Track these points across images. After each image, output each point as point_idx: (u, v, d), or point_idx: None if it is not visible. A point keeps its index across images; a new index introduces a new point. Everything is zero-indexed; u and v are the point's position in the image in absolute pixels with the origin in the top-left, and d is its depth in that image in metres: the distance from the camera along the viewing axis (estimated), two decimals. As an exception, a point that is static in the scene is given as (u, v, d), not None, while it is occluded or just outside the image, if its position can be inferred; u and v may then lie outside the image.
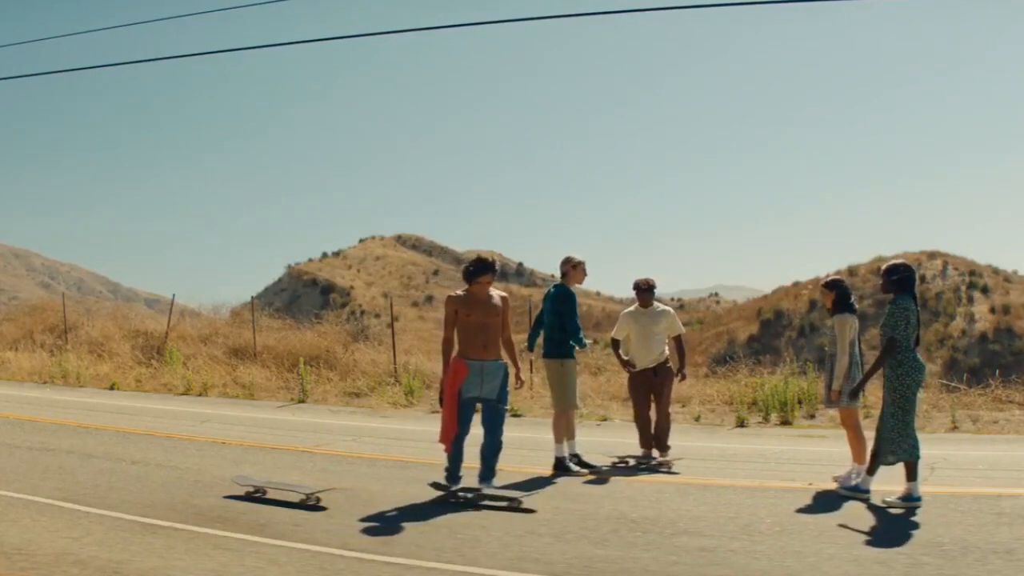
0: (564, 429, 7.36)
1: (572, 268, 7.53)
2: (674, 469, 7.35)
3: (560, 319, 7.39)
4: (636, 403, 7.74)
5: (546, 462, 7.38)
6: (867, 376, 6.13)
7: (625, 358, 7.75)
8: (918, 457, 5.76)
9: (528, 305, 20.08)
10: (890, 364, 5.84)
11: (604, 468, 7.35)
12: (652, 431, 7.64)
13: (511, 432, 10.19)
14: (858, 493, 6.00)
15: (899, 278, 6.00)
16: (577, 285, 7.58)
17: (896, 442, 5.79)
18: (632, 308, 7.81)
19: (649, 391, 7.71)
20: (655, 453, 7.63)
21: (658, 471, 7.30)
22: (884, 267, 6.15)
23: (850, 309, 6.57)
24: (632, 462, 7.54)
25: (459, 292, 6.30)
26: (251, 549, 4.90)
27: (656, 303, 7.81)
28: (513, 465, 7.59)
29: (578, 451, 7.46)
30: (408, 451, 8.53)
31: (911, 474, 5.74)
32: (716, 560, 4.65)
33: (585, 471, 7.24)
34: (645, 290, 7.66)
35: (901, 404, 5.81)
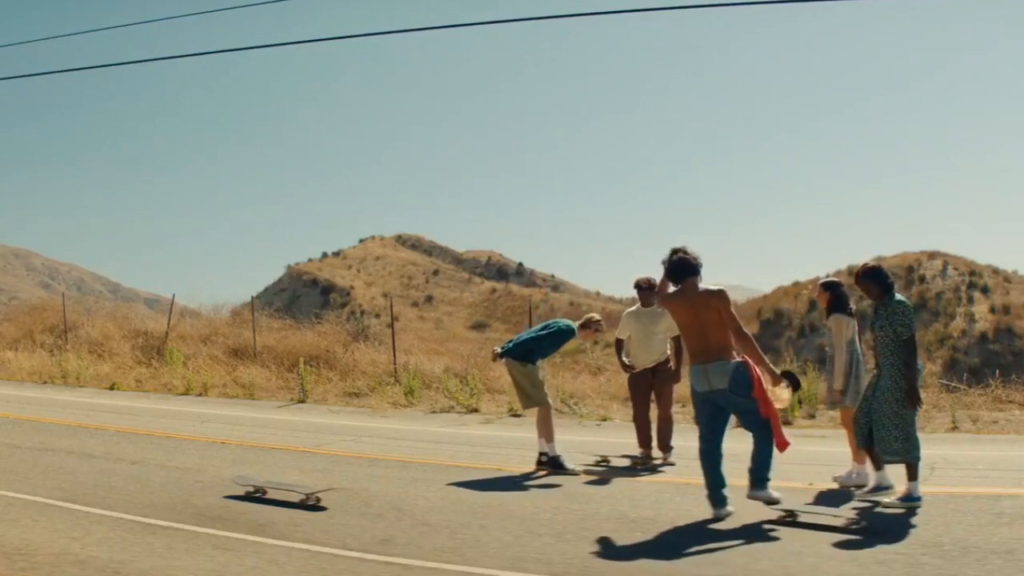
0: (549, 427, 7.34)
1: (595, 331, 7.77)
2: (670, 460, 7.45)
3: (542, 341, 7.57)
4: (635, 403, 7.76)
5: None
6: (911, 381, 5.74)
7: (626, 360, 7.76)
8: (918, 458, 5.76)
9: (528, 305, 20.12)
10: (896, 364, 5.82)
11: (578, 470, 7.25)
12: (652, 431, 7.66)
13: (511, 432, 10.23)
14: (878, 492, 5.95)
15: (883, 280, 5.98)
16: (583, 340, 7.97)
17: (898, 440, 5.79)
18: (634, 308, 7.83)
19: (649, 391, 7.72)
20: (656, 453, 7.63)
21: (659, 471, 7.31)
22: (863, 272, 6.03)
23: (846, 311, 6.58)
24: (612, 462, 7.52)
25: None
26: (251, 549, 4.90)
27: None
28: (513, 465, 7.60)
29: (546, 449, 7.42)
30: (408, 451, 8.53)
31: (911, 474, 5.73)
32: (716, 560, 4.65)
33: (565, 471, 7.18)
34: (646, 289, 7.64)
35: (904, 403, 5.81)
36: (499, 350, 7.70)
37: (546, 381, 7.87)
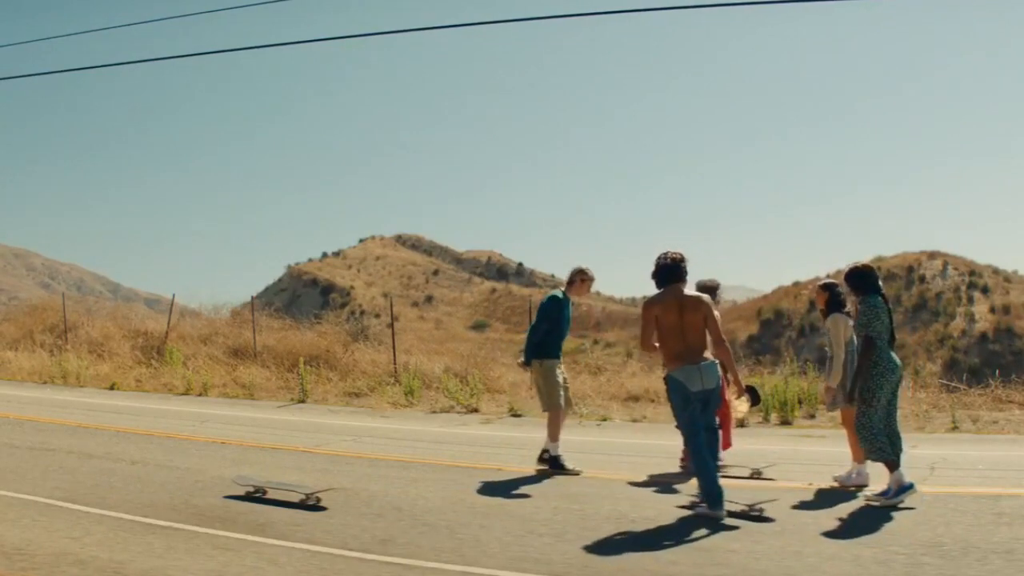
0: (555, 428, 7.31)
1: (581, 281, 7.52)
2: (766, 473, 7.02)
3: (538, 327, 7.40)
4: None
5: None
6: (856, 378, 5.98)
7: None
8: (888, 456, 5.76)
9: (528, 305, 20.11)
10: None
11: (578, 470, 7.17)
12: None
13: (511, 432, 10.23)
14: (887, 496, 5.90)
15: (863, 280, 6.11)
16: (576, 297, 7.58)
17: (866, 441, 5.82)
18: None
19: None
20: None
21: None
22: (845, 275, 6.26)
23: (844, 311, 6.62)
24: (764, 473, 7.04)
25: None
26: (251, 549, 4.90)
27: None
28: (513, 465, 7.60)
29: (548, 448, 7.35)
30: (408, 451, 8.53)
31: (890, 468, 5.74)
32: (716, 560, 4.65)
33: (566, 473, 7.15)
34: (705, 292, 7.35)
35: (869, 402, 5.84)
36: (522, 359, 7.53)
37: (568, 383, 7.59)
